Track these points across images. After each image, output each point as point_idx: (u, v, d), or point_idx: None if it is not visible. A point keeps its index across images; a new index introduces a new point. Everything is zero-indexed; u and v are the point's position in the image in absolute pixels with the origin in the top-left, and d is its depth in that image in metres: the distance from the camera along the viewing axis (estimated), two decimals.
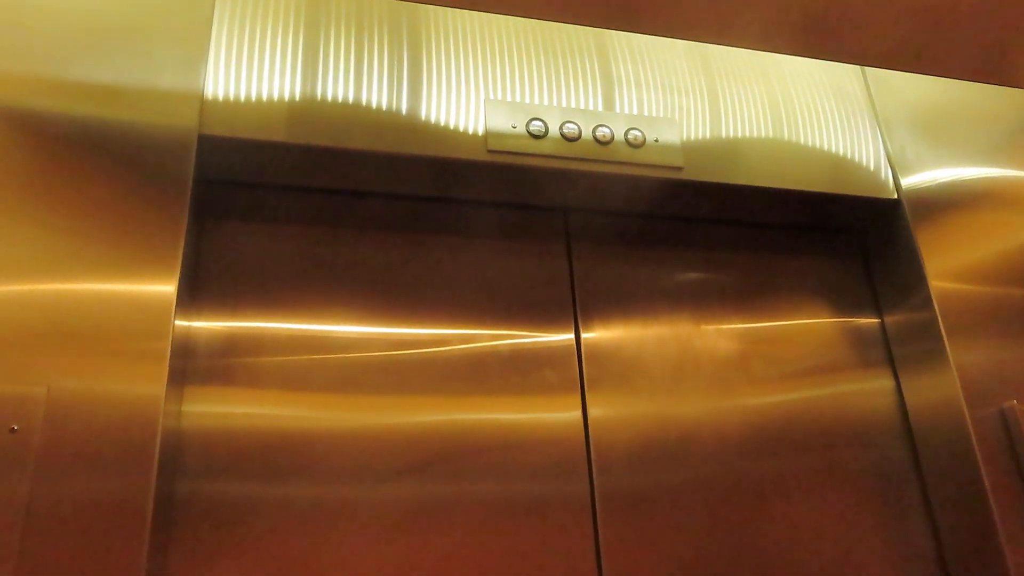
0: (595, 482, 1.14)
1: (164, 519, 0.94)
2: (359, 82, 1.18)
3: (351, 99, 1.16)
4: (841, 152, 1.38)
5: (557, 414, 1.18)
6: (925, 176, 1.40)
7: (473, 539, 1.07)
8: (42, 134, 0.98)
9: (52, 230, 0.93)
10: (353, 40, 1.21)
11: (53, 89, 1.01)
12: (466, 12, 1.29)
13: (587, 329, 1.25)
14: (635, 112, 1.29)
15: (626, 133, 1.25)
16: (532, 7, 1.32)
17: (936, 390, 1.27)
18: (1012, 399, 1.21)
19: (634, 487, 1.16)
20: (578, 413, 1.19)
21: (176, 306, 0.95)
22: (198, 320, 1.09)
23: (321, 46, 1.18)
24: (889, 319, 1.40)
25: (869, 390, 1.35)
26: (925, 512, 1.28)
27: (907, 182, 1.38)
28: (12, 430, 0.84)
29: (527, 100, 1.24)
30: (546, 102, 1.25)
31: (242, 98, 1.11)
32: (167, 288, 0.94)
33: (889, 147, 1.41)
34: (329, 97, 1.15)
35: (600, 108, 1.28)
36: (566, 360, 1.22)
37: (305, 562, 1.00)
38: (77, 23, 1.06)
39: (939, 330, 1.27)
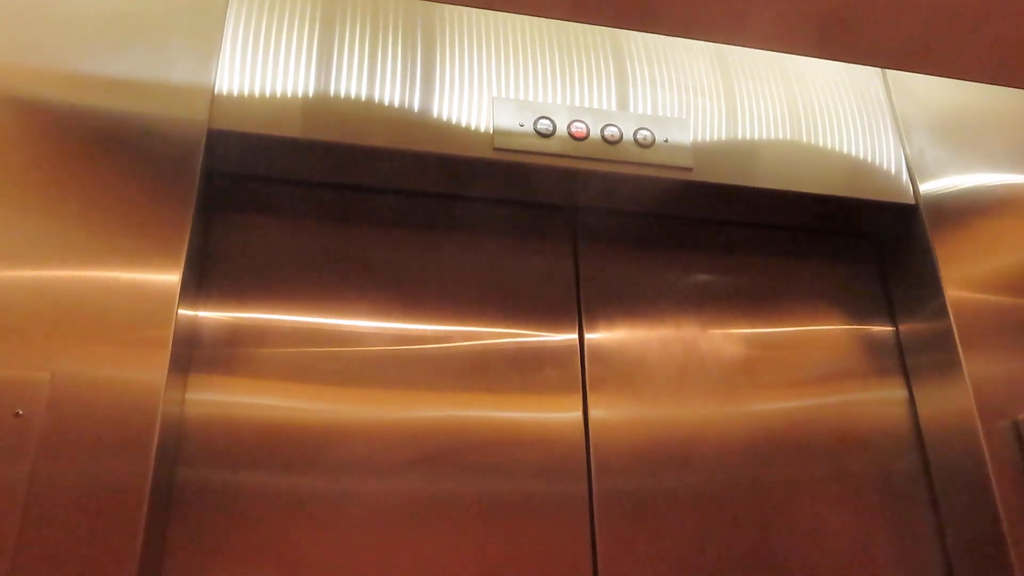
0: (593, 483, 1.14)
1: (162, 505, 0.96)
2: (372, 79, 1.18)
3: (364, 96, 1.17)
4: (858, 155, 1.35)
5: (558, 414, 1.17)
6: (944, 182, 1.37)
7: (469, 535, 1.07)
8: (53, 124, 1.00)
9: (60, 218, 0.95)
10: (368, 37, 1.21)
11: (66, 81, 1.03)
12: (482, 11, 1.29)
13: (591, 329, 1.25)
14: (648, 112, 1.28)
15: (635, 133, 1.24)
16: (546, 7, 1.31)
17: (949, 401, 1.24)
18: None
19: (633, 490, 1.15)
20: (579, 414, 1.18)
21: (181, 295, 0.96)
22: (204, 310, 1.11)
23: (336, 43, 1.19)
24: (904, 327, 1.37)
25: (881, 399, 1.33)
26: (935, 524, 1.25)
27: (925, 187, 1.35)
28: (17, 414, 0.86)
29: (538, 98, 1.24)
30: (558, 100, 1.25)
31: (256, 93, 1.12)
32: (171, 277, 0.96)
33: (908, 151, 1.38)
34: (342, 94, 1.16)
35: (613, 107, 1.27)
36: (569, 360, 1.21)
37: (302, 553, 1.01)
38: (91, 16, 1.08)
39: (954, 340, 1.24)
